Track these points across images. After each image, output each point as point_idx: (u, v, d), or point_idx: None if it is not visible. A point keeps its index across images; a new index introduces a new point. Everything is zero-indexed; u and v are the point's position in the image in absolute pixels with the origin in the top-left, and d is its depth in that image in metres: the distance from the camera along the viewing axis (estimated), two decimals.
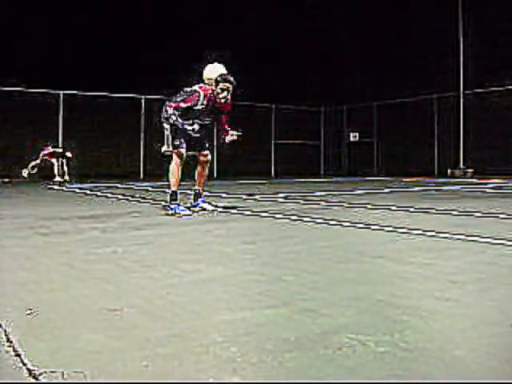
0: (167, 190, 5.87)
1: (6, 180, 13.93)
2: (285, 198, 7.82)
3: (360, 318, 1.84)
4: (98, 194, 8.99)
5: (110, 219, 4.99)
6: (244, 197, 7.98)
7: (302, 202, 7.08)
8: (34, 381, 1.34)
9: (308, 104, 21.16)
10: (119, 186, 11.67)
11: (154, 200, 7.44)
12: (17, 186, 11.52)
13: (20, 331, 1.71)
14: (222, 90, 5.48)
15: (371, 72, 19.74)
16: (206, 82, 5.63)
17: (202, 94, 5.48)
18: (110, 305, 2.02)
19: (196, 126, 5.56)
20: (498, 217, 5.04)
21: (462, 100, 17.69)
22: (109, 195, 8.55)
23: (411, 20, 18.28)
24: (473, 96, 17.45)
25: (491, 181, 13.54)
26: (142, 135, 17.67)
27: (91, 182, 13.12)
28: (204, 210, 5.76)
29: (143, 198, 7.74)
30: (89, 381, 1.34)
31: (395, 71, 18.88)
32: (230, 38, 18.49)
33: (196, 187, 5.90)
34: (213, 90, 5.52)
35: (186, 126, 5.50)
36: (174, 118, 5.40)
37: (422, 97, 18.52)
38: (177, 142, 5.57)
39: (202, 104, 5.49)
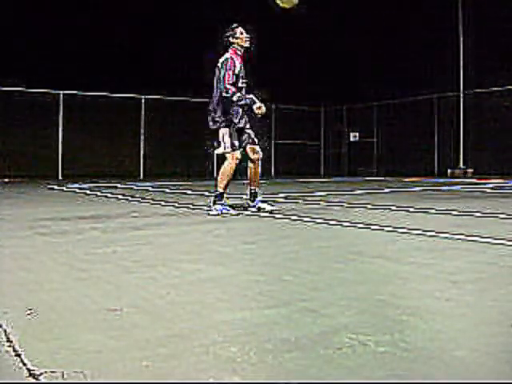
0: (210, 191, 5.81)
1: (6, 180, 13.93)
2: (285, 198, 7.82)
3: (360, 318, 1.84)
4: (98, 193, 8.99)
5: (109, 219, 4.99)
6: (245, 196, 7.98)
7: (301, 201, 7.08)
8: (34, 381, 1.34)
9: (308, 104, 21.15)
10: (119, 185, 11.67)
11: (154, 200, 7.44)
12: (17, 186, 11.52)
13: (20, 331, 1.71)
14: (246, 39, 5.69)
15: (371, 72, 19.74)
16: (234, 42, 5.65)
17: (233, 57, 5.55)
18: (110, 305, 2.02)
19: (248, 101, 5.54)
20: (497, 217, 5.04)
21: (462, 100, 17.69)
22: (109, 195, 8.55)
23: (411, 20, 18.27)
24: (473, 96, 17.45)
25: (491, 181, 13.54)
26: (142, 135, 17.67)
27: (91, 182, 13.12)
28: (261, 209, 5.59)
29: (143, 198, 7.74)
30: (89, 381, 1.34)
31: (395, 71, 18.88)
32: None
33: (252, 187, 5.69)
34: (239, 46, 5.64)
35: (247, 101, 5.50)
36: (239, 95, 5.38)
37: (422, 97, 18.51)
38: (236, 143, 5.49)
39: (239, 65, 5.57)
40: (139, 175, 17.56)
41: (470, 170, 17.02)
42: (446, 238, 3.69)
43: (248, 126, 5.70)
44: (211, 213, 5.37)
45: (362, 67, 20.01)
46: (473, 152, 17.25)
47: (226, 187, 5.48)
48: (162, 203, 6.82)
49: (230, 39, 5.64)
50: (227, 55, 5.58)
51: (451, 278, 2.43)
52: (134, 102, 17.48)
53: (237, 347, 1.56)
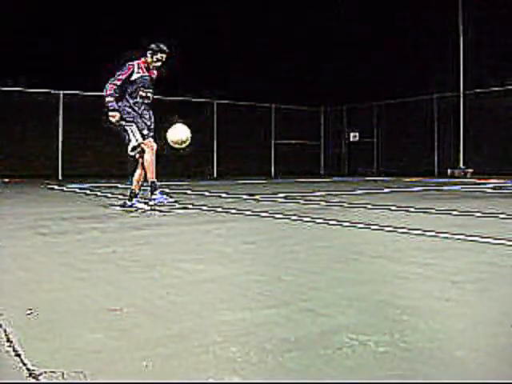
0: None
1: (6, 180, 13.93)
2: (285, 197, 7.82)
3: (360, 318, 1.84)
4: (98, 193, 8.99)
5: (109, 219, 4.99)
6: (244, 196, 7.99)
7: (302, 201, 7.07)
8: (34, 381, 1.34)
9: (308, 104, 21.15)
10: (119, 185, 11.67)
11: None
12: (17, 186, 11.52)
13: (20, 331, 1.71)
14: (158, 60, 5.90)
15: (371, 72, 19.73)
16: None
17: (138, 64, 5.83)
18: (110, 305, 2.02)
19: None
20: (497, 217, 5.04)
21: (461, 100, 17.68)
22: (109, 195, 8.54)
23: (411, 20, 18.27)
24: (473, 96, 17.45)
25: (491, 181, 13.54)
26: None
27: (91, 182, 13.11)
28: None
29: (143, 198, 7.73)
30: (89, 381, 1.34)
31: (395, 71, 18.87)
32: (230, 38, 18.49)
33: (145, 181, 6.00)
34: (147, 62, 5.89)
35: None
36: (108, 99, 5.68)
37: (422, 97, 18.51)
38: (145, 131, 5.81)
39: (137, 73, 5.81)
40: None
41: (470, 170, 17.02)
42: (446, 237, 3.69)
43: (139, 119, 5.90)
44: (150, 203, 5.75)
45: (361, 67, 20.00)
46: (473, 152, 17.24)
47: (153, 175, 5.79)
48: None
49: (148, 54, 5.90)
50: (136, 61, 5.87)
51: (451, 278, 2.43)
52: None
53: (237, 347, 1.56)
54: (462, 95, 17.69)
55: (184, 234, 4.05)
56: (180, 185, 11.43)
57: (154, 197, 5.73)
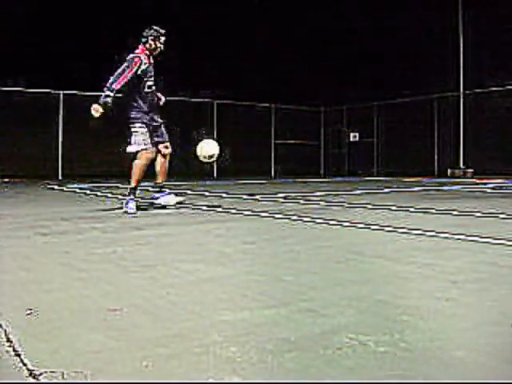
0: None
1: (6, 180, 13.93)
2: (285, 198, 7.82)
3: (360, 318, 1.84)
4: (98, 193, 8.99)
5: (109, 219, 4.99)
6: (244, 196, 7.99)
7: (302, 201, 7.07)
8: (34, 381, 1.34)
9: (308, 104, 21.15)
10: (119, 185, 11.67)
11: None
12: (17, 186, 11.51)
13: (20, 331, 1.71)
14: (162, 44, 5.80)
15: (371, 72, 19.73)
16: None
17: (141, 56, 5.70)
18: (110, 305, 2.02)
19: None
20: (497, 217, 5.04)
21: (461, 100, 17.68)
22: (109, 195, 8.54)
23: (411, 20, 18.27)
24: (473, 96, 17.45)
25: (491, 181, 13.54)
26: None
27: (91, 182, 13.11)
28: (166, 205, 5.89)
29: (143, 198, 7.73)
30: (89, 381, 1.34)
31: (395, 71, 18.87)
32: (231, 37, 18.49)
33: (159, 180, 5.92)
34: (151, 49, 5.77)
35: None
36: (106, 93, 5.47)
37: (422, 97, 18.50)
38: (147, 141, 5.65)
39: (145, 64, 5.67)
40: None
41: (470, 170, 17.02)
42: (446, 237, 3.69)
43: (159, 121, 5.86)
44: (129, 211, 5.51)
45: (362, 67, 20.00)
46: (473, 152, 17.24)
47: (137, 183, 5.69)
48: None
49: (150, 41, 5.78)
50: (138, 52, 5.76)
51: (451, 278, 2.43)
52: None
53: (237, 347, 1.56)
54: (462, 95, 17.69)
55: (184, 234, 4.05)
56: (180, 185, 11.41)
57: (126, 204, 5.56)
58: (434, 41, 17.79)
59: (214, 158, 5.96)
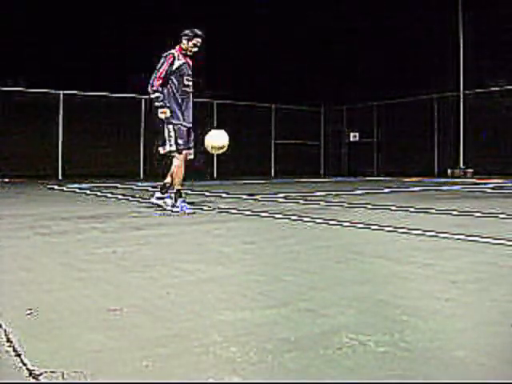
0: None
1: (6, 180, 13.93)
2: (285, 197, 7.82)
3: (360, 318, 1.84)
4: (98, 193, 8.99)
5: (109, 219, 4.99)
6: (244, 196, 7.99)
7: (301, 201, 7.07)
8: (33, 381, 1.34)
9: (308, 104, 21.15)
10: (119, 185, 11.67)
11: None
12: (17, 186, 11.51)
13: (20, 331, 1.71)
14: (195, 45, 5.75)
15: (371, 72, 19.73)
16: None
17: (176, 54, 5.68)
18: (110, 305, 2.02)
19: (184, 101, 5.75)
20: (497, 217, 5.04)
21: (462, 100, 17.68)
22: (109, 195, 8.54)
23: (411, 20, 18.26)
24: (473, 96, 17.44)
25: (491, 181, 13.54)
26: (142, 135, 17.67)
27: (91, 182, 13.11)
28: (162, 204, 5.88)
29: (143, 198, 7.74)
30: (89, 381, 1.34)
31: (395, 71, 18.87)
32: (230, 37, 18.49)
33: (167, 180, 5.88)
34: (186, 50, 5.75)
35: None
36: (157, 95, 5.50)
37: (422, 97, 18.50)
38: (180, 142, 5.63)
39: (179, 60, 5.67)
40: (139, 175, 17.55)
41: (470, 170, 17.02)
42: (446, 237, 3.69)
43: (190, 124, 5.90)
44: (173, 209, 5.59)
45: (361, 67, 20.00)
46: (473, 152, 17.24)
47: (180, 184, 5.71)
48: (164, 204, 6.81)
49: (184, 40, 5.74)
50: (172, 50, 5.73)
51: (451, 278, 2.43)
52: (133, 101, 17.47)
53: (237, 347, 1.56)
54: (461, 95, 17.69)
55: (184, 234, 4.05)
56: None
57: (176, 204, 5.60)
58: (433, 41, 17.79)
59: (224, 150, 5.87)
